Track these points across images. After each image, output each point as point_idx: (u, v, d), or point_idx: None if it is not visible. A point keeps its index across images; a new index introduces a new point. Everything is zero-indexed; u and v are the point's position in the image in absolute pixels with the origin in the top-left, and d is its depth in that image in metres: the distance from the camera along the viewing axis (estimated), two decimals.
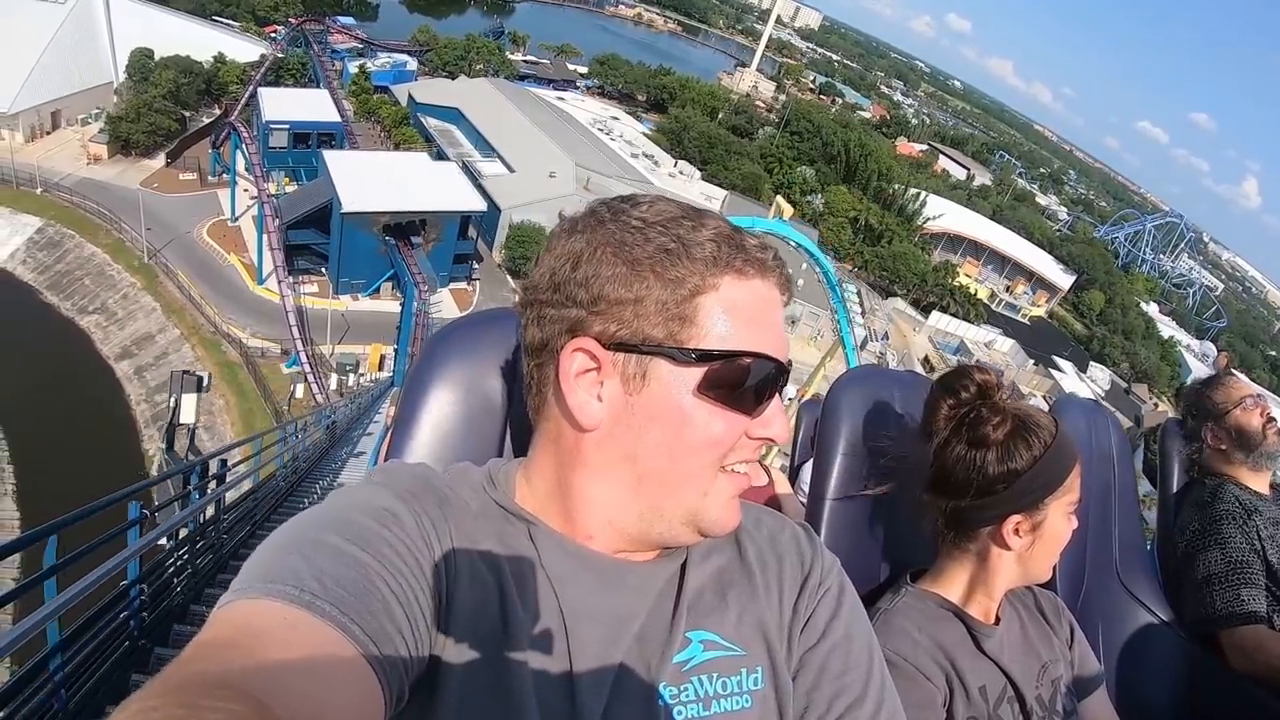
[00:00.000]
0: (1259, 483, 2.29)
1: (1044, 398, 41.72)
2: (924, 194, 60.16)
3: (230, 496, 6.92)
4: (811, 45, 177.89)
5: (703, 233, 0.81)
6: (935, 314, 51.96)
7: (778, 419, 0.84)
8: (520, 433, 1.05)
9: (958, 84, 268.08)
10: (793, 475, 3.43)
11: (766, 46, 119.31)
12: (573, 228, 0.85)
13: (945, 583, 1.45)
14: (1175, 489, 2.46)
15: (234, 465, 7.03)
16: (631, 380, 0.81)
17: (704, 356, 0.79)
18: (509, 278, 36.33)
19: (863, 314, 45.76)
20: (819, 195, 55.24)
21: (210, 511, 6.23)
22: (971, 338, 51.44)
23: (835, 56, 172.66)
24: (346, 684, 0.60)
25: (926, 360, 46.20)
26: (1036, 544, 1.39)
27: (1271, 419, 2.32)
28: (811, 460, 2.84)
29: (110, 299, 30.05)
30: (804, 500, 2.64)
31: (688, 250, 0.80)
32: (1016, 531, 1.38)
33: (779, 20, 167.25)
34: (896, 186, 58.91)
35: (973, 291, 54.94)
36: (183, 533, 5.56)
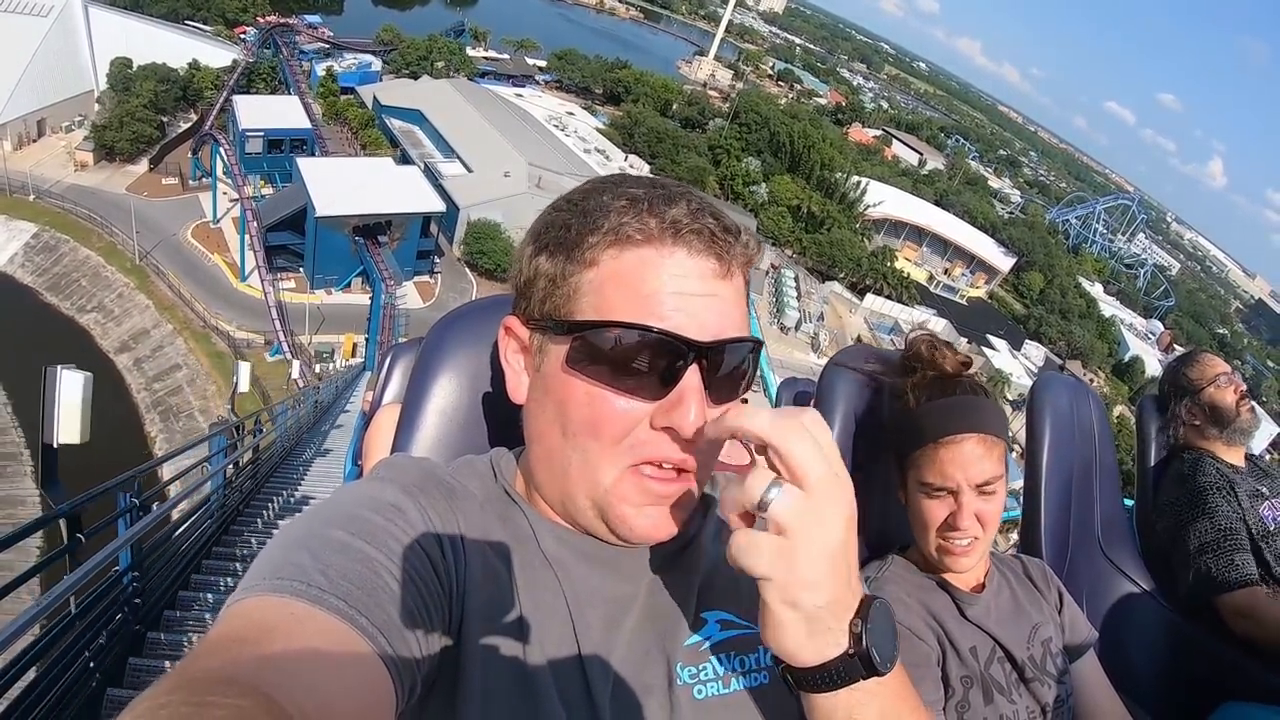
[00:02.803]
0: (1234, 456, 2.32)
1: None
2: (865, 182, 62.66)
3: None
4: (775, 29, 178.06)
5: (613, 203, 0.77)
6: (870, 296, 54.78)
7: (682, 407, 0.74)
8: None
9: (923, 66, 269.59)
10: None
11: (728, 32, 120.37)
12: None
13: (918, 550, 1.47)
14: (1153, 463, 2.49)
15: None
16: (536, 355, 0.82)
17: (572, 328, 0.76)
18: (468, 270, 39.23)
19: (798, 298, 49.01)
20: (763, 185, 57.70)
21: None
22: (905, 318, 53.61)
23: (798, 40, 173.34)
24: (354, 676, 0.59)
25: (859, 339, 49.56)
26: (909, 509, 1.44)
27: (1244, 396, 2.35)
28: None
29: (107, 298, 32.63)
30: None
31: (585, 223, 0.77)
32: (899, 484, 1.45)
33: (743, 3, 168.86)
34: (839, 175, 61.28)
35: (907, 275, 57.76)
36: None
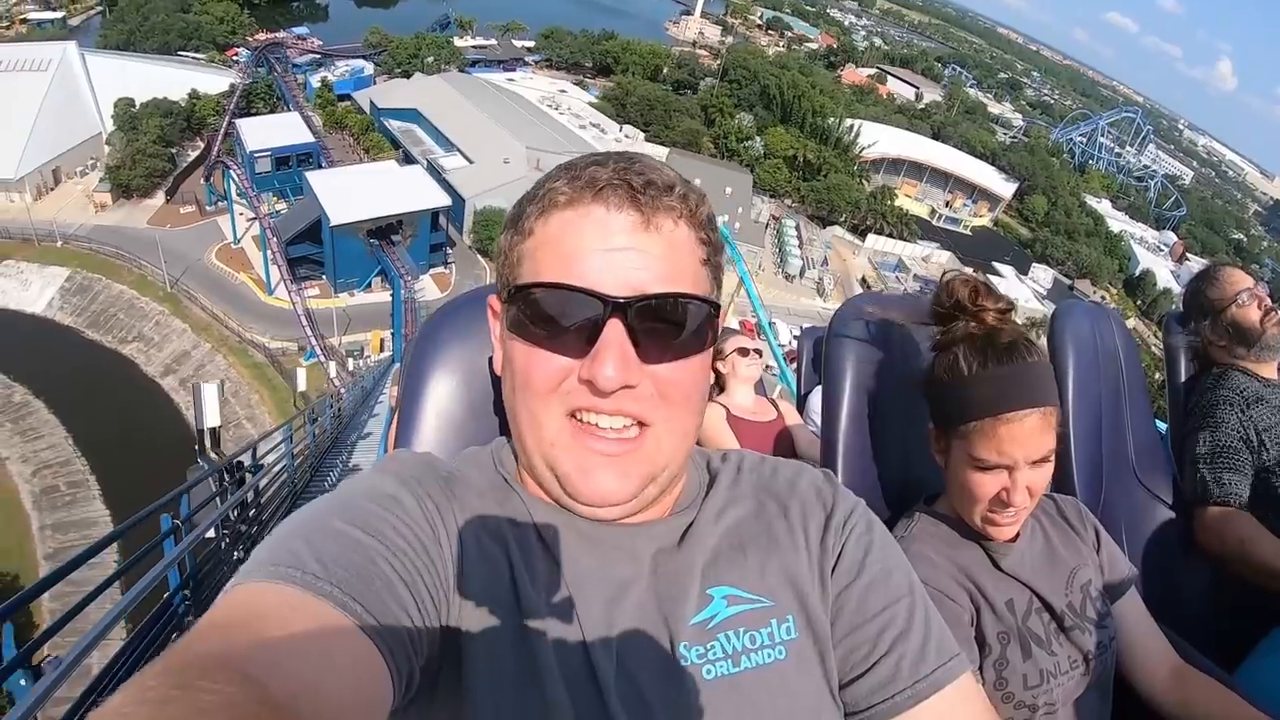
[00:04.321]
0: (1266, 371, 2.24)
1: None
2: (857, 125, 63.15)
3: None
4: None
5: (556, 173, 0.80)
6: (871, 236, 55.48)
7: (600, 360, 0.74)
8: None
9: None
10: (800, 404, 3.41)
11: None
12: None
13: (949, 503, 1.42)
14: (1183, 380, 2.40)
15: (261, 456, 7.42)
16: (502, 328, 0.84)
17: (510, 295, 0.80)
18: (479, 257, 40.71)
19: (799, 245, 49.97)
20: (758, 139, 58.20)
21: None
22: (908, 254, 55.00)
23: None
24: (347, 661, 0.59)
25: (864, 280, 50.57)
26: (948, 473, 1.37)
27: (1270, 310, 2.24)
28: (818, 388, 2.95)
29: (145, 327, 34.43)
30: (813, 428, 2.86)
31: (528, 196, 0.81)
32: (937, 444, 1.38)
33: None
34: (831, 120, 61.76)
35: (906, 212, 58.38)
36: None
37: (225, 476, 6.39)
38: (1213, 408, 2.17)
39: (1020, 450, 1.25)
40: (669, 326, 0.77)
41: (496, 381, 1.05)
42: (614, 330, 0.75)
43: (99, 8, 66.25)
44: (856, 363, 1.57)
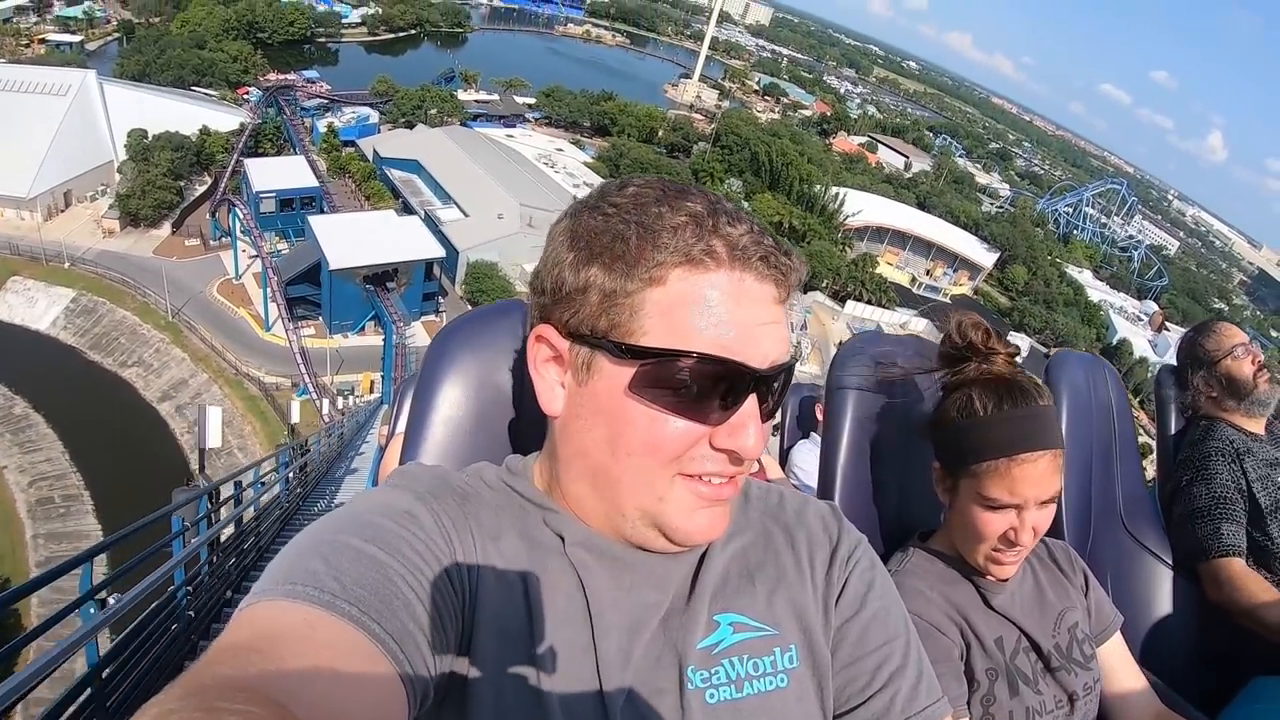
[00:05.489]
0: (1254, 426, 2.29)
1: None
2: (843, 193, 64.63)
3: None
4: (761, 42, 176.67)
5: (673, 217, 0.74)
6: (850, 303, 56.60)
7: (745, 431, 0.75)
8: (534, 427, 0.96)
9: (913, 65, 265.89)
10: (783, 459, 3.43)
11: (714, 49, 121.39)
12: (563, 214, 0.82)
13: (945, 540, 1.44)
14: (1172, 434, 2.45)
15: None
16: (580, 371, 0.78)
17: (637, 353, 0.73)
18: (470, 308, 41.52)
19: None
20: (745, 205, 59.34)
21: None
22: (887, 321, 55.58)
23: (786, 51, 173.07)
24: (367, 683, 0.58)
25: (840, 344, 51.85)
26: (952, 511, 1.39)
27: (1263, 367, 2.28)
28: (802, 442, 3.30)
29: (145, 353, 35.28)
30: (796, 483, 2.92)
31: (646, 237, 0.74)
32: (942, 482, 1.40)
33: (729, 19, 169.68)
34: (817, 189, 63.30)
35: (885, 280, 59.61)
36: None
37: (298, 450, 11.96)
38: (1205, 460, 2.21)
39: (1032, 490, 1.28)
40: (779, 391, 0.80)
41: (510, 398, 1.13)
42: (752, 401, 0.76)
43: (116, 35, 68.05)
44: (857, 399, 1.59)
